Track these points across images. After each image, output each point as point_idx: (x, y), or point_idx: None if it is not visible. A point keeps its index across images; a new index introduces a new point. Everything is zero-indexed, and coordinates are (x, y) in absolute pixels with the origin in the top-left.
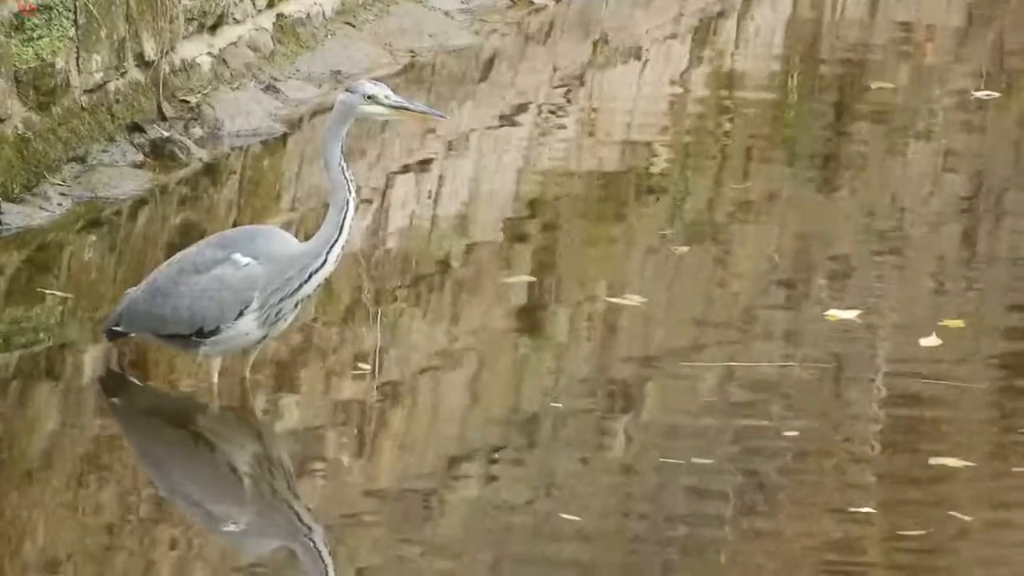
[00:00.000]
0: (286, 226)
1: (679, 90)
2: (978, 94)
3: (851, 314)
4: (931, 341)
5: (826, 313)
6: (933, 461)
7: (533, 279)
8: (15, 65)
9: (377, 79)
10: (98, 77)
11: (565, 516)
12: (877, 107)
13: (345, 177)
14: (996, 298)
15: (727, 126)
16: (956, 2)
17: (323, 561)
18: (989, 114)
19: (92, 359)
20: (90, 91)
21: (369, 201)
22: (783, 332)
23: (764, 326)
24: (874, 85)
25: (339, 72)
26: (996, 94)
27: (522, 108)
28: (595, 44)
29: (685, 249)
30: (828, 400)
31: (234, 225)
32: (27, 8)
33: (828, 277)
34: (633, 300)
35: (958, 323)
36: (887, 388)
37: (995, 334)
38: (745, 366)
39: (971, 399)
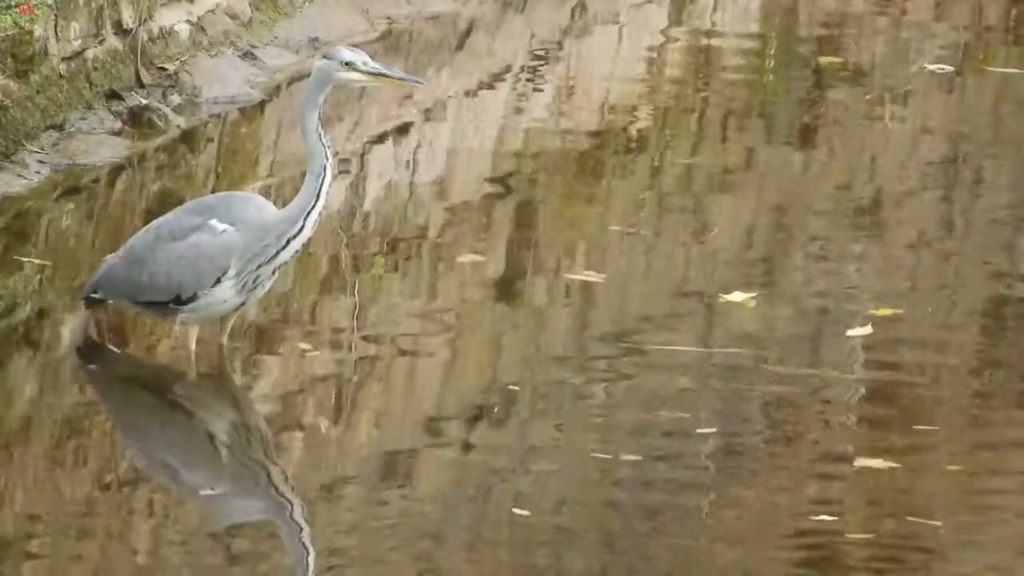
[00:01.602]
0: (264, 193)
1: (656, 56)
2: (931, 67)
3: (744, 297)
4: (862, 331)
5: (726, 297)
6: (859, 463)
7: (487, 257)
8: None
9: (355, 46)
10: (76, 45)
11: (541, 484)
12: (828, 80)
13: (322, 144)
14: (930, 289)
15: (703, 92)
16: None
17: (299, 524)
18: (936, 88)
19: (70, 327)
20: (68, 59)
21: (347, 167)
22: (731, 316)
23: (702, 308)
24: (823, 60)
25: (317, 39)
26: (950, 68)
27: (500, 75)
28: (573, 10)
29: (650, 224)
30: (740, 393)
31: (212, 192)
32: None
33: (805, 259)
34: (591, 276)
35: (886, 311)
36: (808, 382)
37: (928, 326)
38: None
39: (884, 397)
